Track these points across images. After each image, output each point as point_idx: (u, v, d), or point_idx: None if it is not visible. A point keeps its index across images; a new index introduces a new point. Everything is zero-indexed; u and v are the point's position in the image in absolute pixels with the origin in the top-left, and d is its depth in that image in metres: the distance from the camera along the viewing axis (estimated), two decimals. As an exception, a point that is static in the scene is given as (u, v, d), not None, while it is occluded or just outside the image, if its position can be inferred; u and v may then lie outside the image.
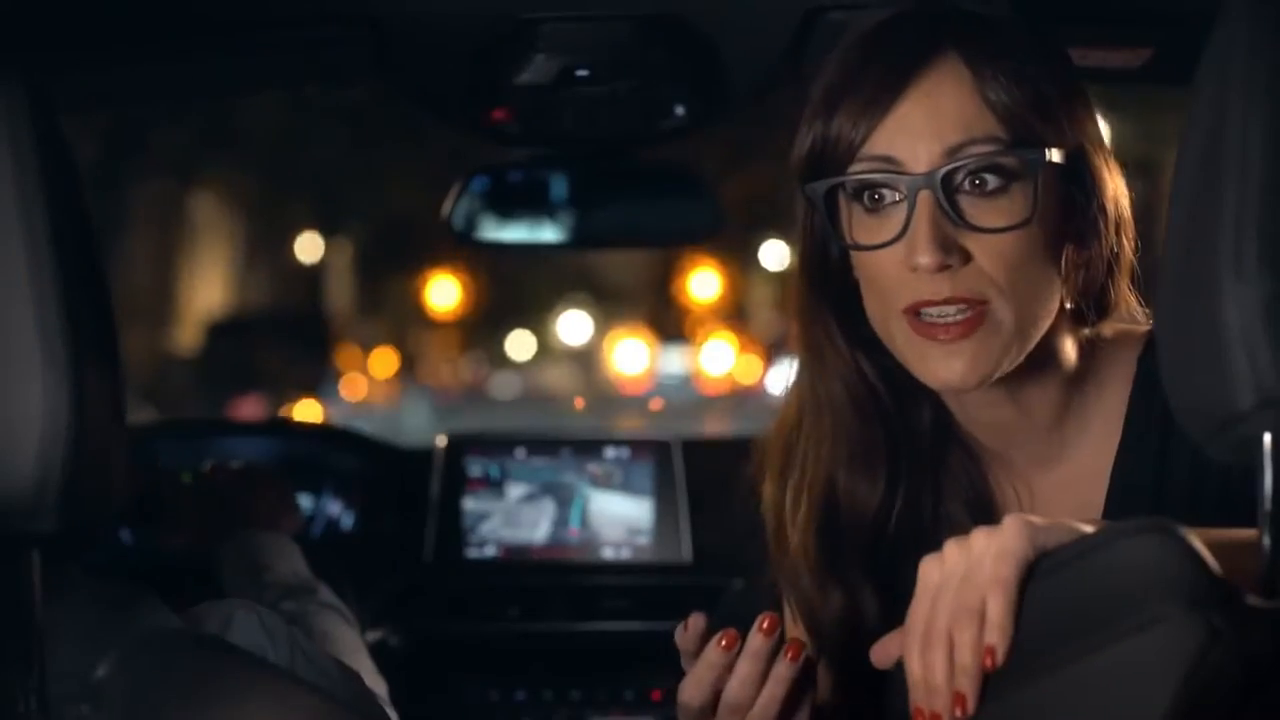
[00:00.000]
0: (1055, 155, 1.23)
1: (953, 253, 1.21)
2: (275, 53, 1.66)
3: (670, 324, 18.88)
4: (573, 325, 20.73)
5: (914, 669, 0.99)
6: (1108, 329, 1.31)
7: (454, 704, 2.46)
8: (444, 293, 16.95)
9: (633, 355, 19.59)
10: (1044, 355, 1.27)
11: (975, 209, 1.21)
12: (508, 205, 2.25)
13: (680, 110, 1.94)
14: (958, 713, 0.96)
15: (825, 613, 1.35)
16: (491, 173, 2.22)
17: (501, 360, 21.99)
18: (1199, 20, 0.95)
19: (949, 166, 1.21)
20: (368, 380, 17.64)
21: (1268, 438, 0.89)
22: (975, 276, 1.21)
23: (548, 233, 2.27)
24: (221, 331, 13.57)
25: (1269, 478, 0.90)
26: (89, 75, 1.63)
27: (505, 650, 2.49)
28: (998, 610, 0.95)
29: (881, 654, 1.05)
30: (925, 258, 1.20)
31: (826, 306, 1.32)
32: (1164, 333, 0.96)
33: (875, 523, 1.34)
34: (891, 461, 1.33)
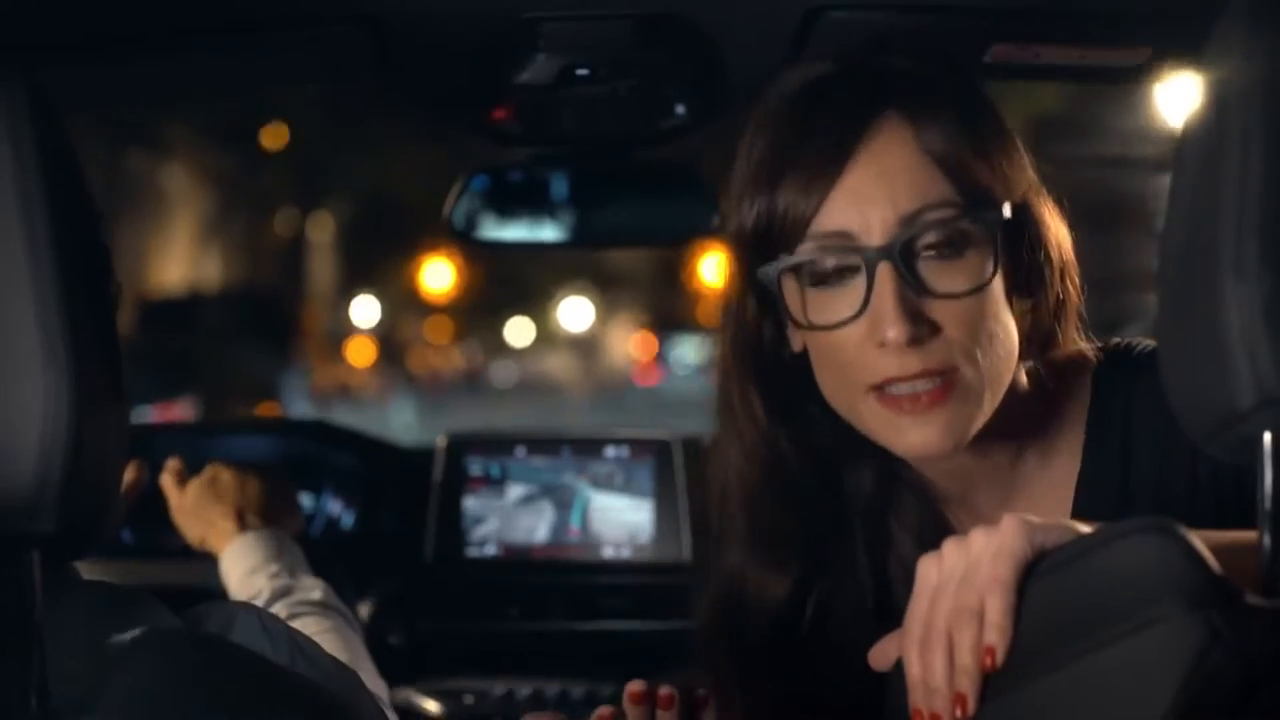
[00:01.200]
0: (1006, 210, 1.20)
1: (921, 324, 1.18)
2: (276, 52, 1.66)
3: (680, 311, 18.46)
4: (574, 311, 20.31)
5: (913, 670, 0.98)
6: (1057, 355, 1.29)
7: (454, 704, 2.46)
8: (438, 275, 16.24)
9: (645, 345, 19.22)
10: (1005, 405, 1.25)
11: (936, 275, 1.19)
12: (508, 204, 2.25)
13: (680, 110, 1.93)
14: (958, 713, 0.95)
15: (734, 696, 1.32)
16: (491, 172, 2.22)
17: (499, 347, 21.54)
18: (1199, 20, 0.95)
19: (907, 235, 1.18)
20: (345, 371, 16.77)
21: (1268, 437, 0.89)
22: (944, 347, 1.19)
23: (548, 232, 2.27)
24: (157, 314, 10.94)
25: (1269, 477, 0.90)
26: (89, 74, 1.63)
27: (506, 650, 2.49)
28: (997, 610, 0.95)
29: (880, 656, 1.04)
30: (893, 332, 1.17)
31: (753, 387, 1.29)
32: (1164, 333, 0.96)
33: (778, 616, 1.30)
34: (806, 554, 1.30)
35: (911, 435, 1.20)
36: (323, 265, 18.07)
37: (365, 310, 19.59)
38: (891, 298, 1.17)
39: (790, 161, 1.21)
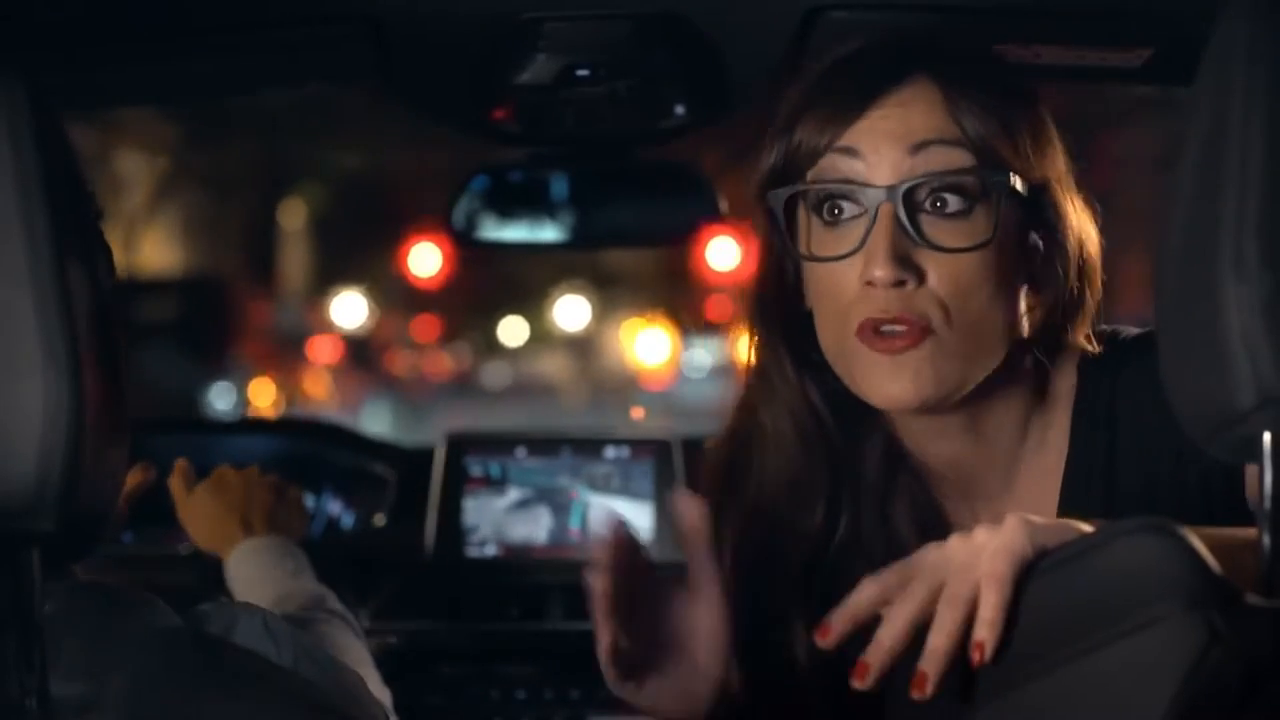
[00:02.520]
0: (1018, 184, 1.22)
1: (908, 269, 1.20)
2: (276, 53, 1.66)
3: (688, 309, 17.67)
4: (570, 310, 19.63)
5: (884, 635, 0.98)
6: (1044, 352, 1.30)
7: (454, 704, 2.46)
8: (426, 259, 15.13)
9: (654, 346, 18.40)
10: (998, 388, 1.26)
11: (935, 228, 1.21)
12: (508, 205, 2.25)
13: (680, 110, 1.93)
14: (915, 694, 0.95)
15: (758, 647, 1.33)
16: (492, 172, 2.22)
17: (491, 348, 20.83)
18: (1199, 20, 0.95)
19: (912, 182, 1.20)
20: (305, 381, 15.02)
21: (1268, 437, 0.89)
22: (925, 298, 1.21)
23: (548, 232, 2.27)
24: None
25: (1269, 477, 0.90)
26: (90, 74, 1.63)
27: (506, 650, 2.49)
28: (991, 605, 0.95)
29: (832, 632, 1.03)
30: (880, 271, 1.19)
31: (778, 330, 1.31)
32: (1164, 333, 0.96)
33: (811, 553, 1.32)
34: (833, 492, 1.32)
35: (885, 383, 1.22)
36: (295, 255, 16.65)
37: (350, 309, 18.49)
38: (886, 239, 1.20)
39: (814, 104, 1.24)
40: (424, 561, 2.50)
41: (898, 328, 1.21)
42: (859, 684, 0.97)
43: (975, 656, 0.95)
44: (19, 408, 0.89)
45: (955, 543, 1.00)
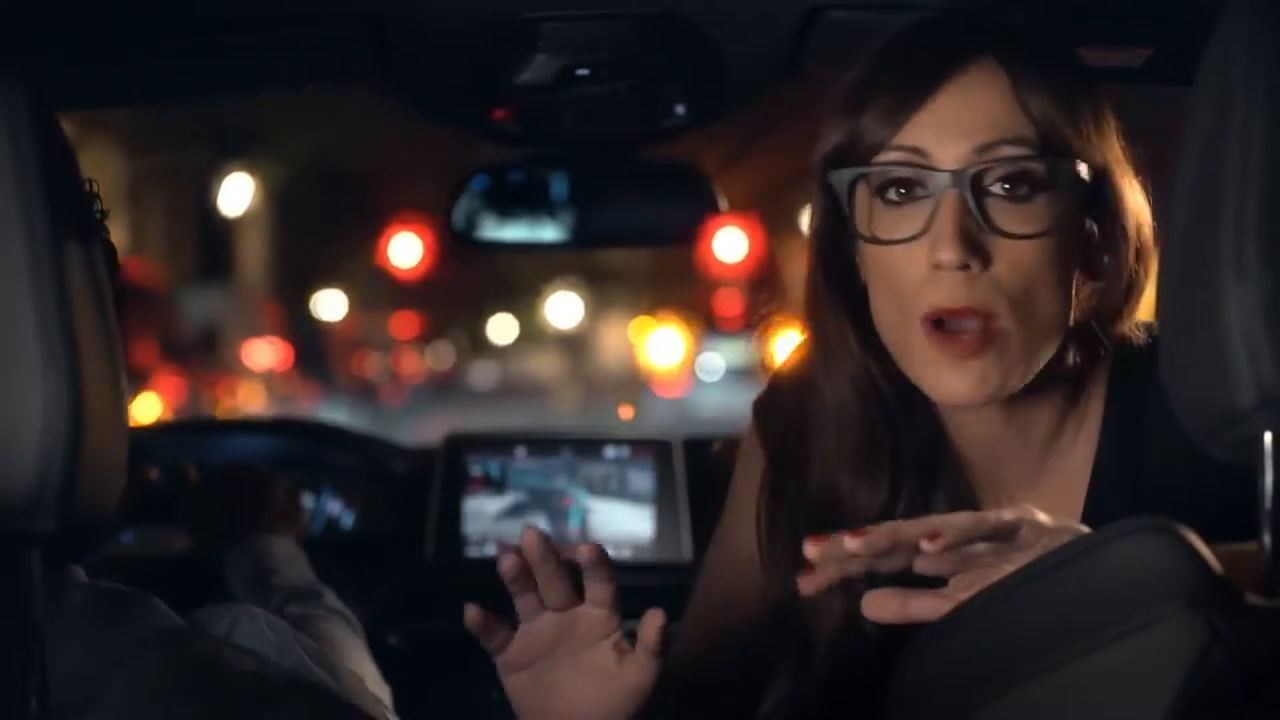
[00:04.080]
0: (1084, 170, 1.22)
1: (975, 253, 1.19)
2: (276, 52, 1.66)
3: (693, 306, 16.49)
4: (562, 307, 18.58)
5: (877, 534, 1.01)
6: (1105, 339, 1.30)
7: (454, 704, 2.46)
8: (405, 250, 12.78)
9: (666, 347, 16.87)
10: (1045, 376, 1.26)
11: (1001, 213, 1.20)
12: (508, 204, 2.25)
13: (680, 109, 1.93)
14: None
15: (827, 619, 1.33)
16: (492, 172, 2.22)
17: (479, 346, 19.86)
18: (1199, 20, 0.95)
19: (979, 167, 1.20)
20: (224, 389, 13.21)
21: (1268, 437, 0.89)
22: (990, 286, 1.20)
23: (548, 232, 2.27)
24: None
25: (1269, 477, 0.90)
26: (89, 74, 1.63)
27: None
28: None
29: (873, 605, 1.06)
30: (948, 253, 1.18)
31: (841, 306, 1.31)
32: (1164, 332, 0.96)
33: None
34: (894, 467, 1.32)
35: (949, 380, 1.22)
36: (247, 245, 14.73)
37: (330, 309, 16.61)
38: (952, 222, 1.19)
39: (880, 87, 1.23)
40: (424, 561, 2.50)
41: (965, 323, 1.20)
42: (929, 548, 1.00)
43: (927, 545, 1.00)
44: (19, 408, 0.89)
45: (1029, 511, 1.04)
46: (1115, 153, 1.26)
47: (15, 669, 0.92)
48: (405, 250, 12.65)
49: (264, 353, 14.86)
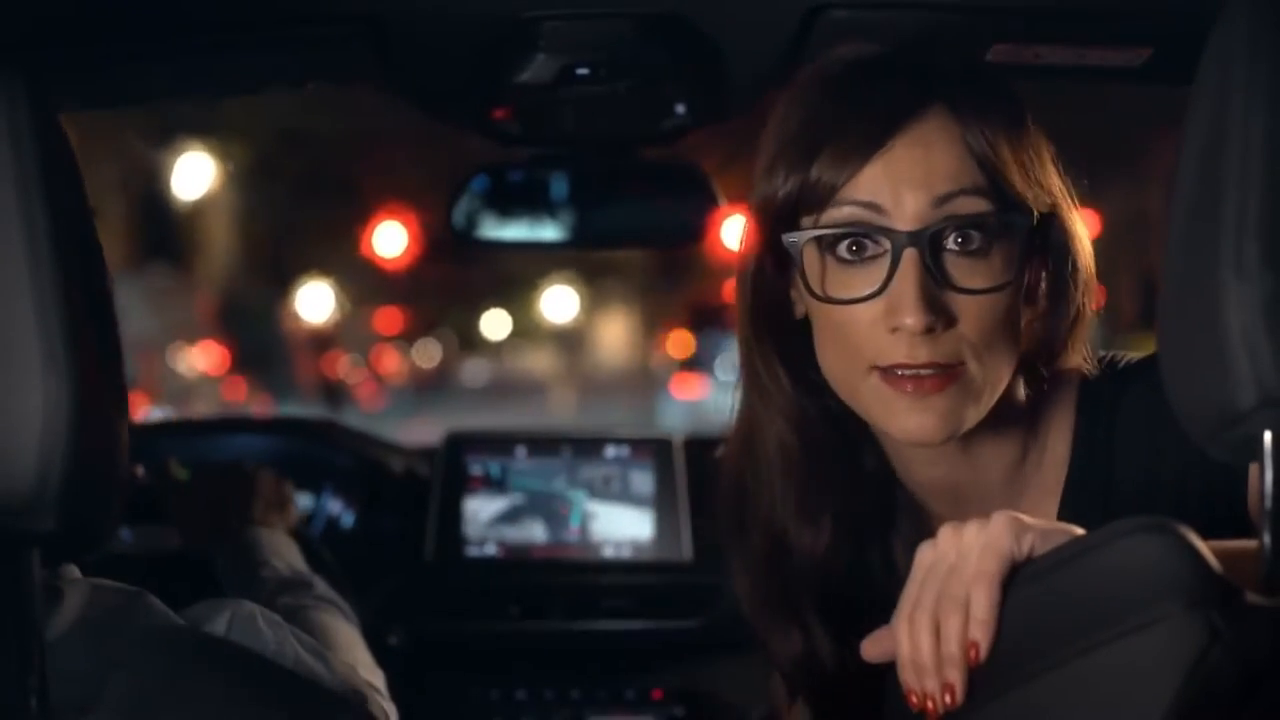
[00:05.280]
0: (1034, 214, 1.21)
1: (938, 314, 1.18)
2: (276, 52, 1.66)
3: (705, 301, 15.40)
4: (558, 301, 17.87)
5: (902, 648, 1.00)
6: (1052, 367, 1.29)
7: (454, 704, 2.47)
8: (390, 239, 12.22)
9: (682, 343, 15.77)
10: (995, 410, 1.25)
11: (959, 269, 1.19)
12: (508, 204, 2.25)
13: (681, 109, 1.93)
14: (947, 700, 0.97)
15: (784, 651, 1.34)
16: (491, 172, 2.22)
17: (471, 342, 19.16)
18: (1199, 20, 0.95)
19: (938, 225, 1.18)
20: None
21: (1268, 436, 0.89)
22: (954, 341, 1.19)
23: (548, 232, 2.27)
24: None
25: (1269, 477, 0.90)
26: (89, 73, 1.63)
27: (505, 650, 2.49)
28: (981, 605, 0.96)
29: (872, 647, 1.05)
30: (911, 319, 1.17)
31: (771, 346, 1.29)
32: (1164, 332, 0.96)
33: (823, 567, 1.32)
34: (838, 505, 1.31)
35: (908, 419, 1.21)
36: (209, 230, 13.24)
37: (315, 302, 15.07)
38: (914, 285, 1.17)
39: (829, 132, 1.20)
40: (424, 561, 2.50)
41: (925, 370, 1.19)
42: (932, 716, 0.98)
43: (971, 655, 0.96)
44: (19, 408, 0.89)
45: (945, 539, 1.01)
46: (1057, 185, 1.25)
47: (15, 669, 0.92)
48: (390, 239, 12.13)
49: (196, 356, 13.40)
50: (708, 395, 14.39)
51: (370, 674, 1.68)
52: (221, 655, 1.05)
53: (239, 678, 1.02)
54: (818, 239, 1.22)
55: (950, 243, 1.19)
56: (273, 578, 1.84)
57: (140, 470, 2.06)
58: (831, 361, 1.25)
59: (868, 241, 1.20)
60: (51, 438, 0.89)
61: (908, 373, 1.19)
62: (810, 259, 1.23)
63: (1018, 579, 0.97)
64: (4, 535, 0.92)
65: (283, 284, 15.26)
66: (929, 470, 1.30)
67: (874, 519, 1.34)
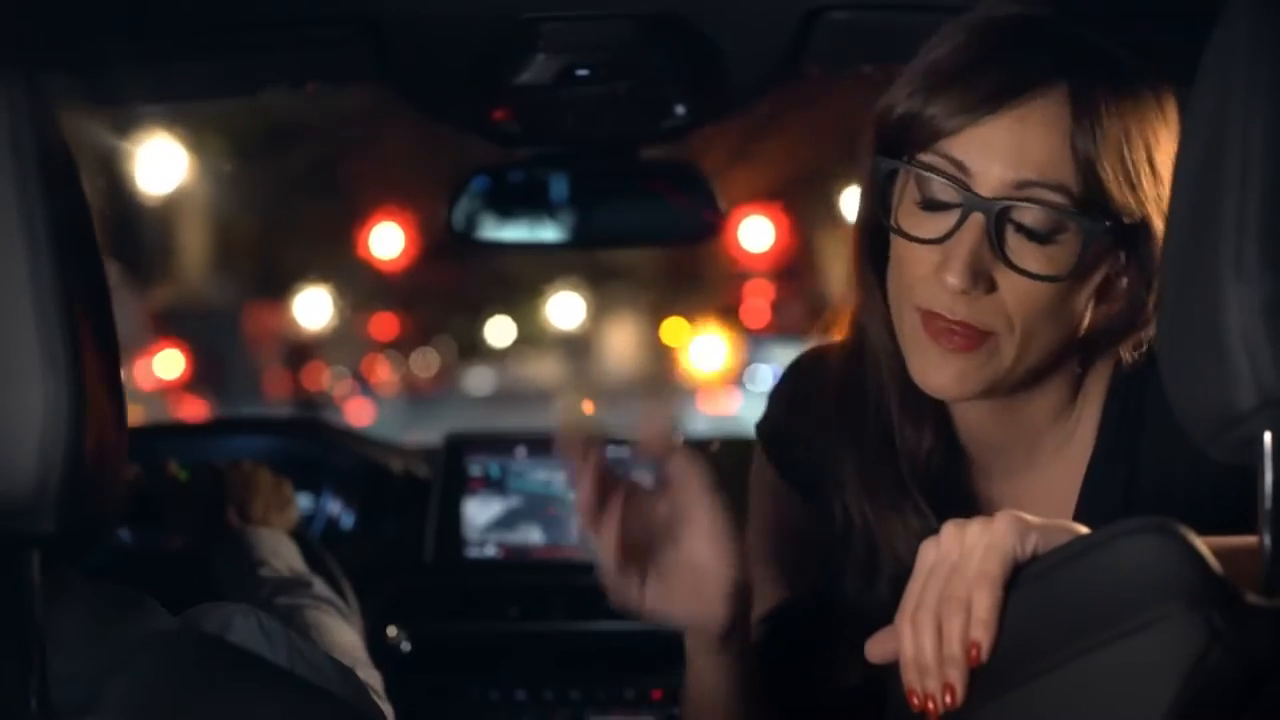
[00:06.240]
0: (1116, 225, 1.21)
1: (980, 281, 1.21)
2: (275, 53, 1.66)
3: (714, 305, 15.06)
4: (564, 307, 17.55)
5: (905, 648, 1.00)
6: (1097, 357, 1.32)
7: (454, 704, 2.46)
8: (387, 241, 11.64)
9: (711, 354, 14.92)
10: (1038, 379, 1.29)
11: (1019, 249, 1.21)
12: (508, 205, 2.25)
13: (681, 109, 1.93)
14: (948, 700, 0.97)
15: (901, 540, 1.33)
16: (491, 172, 2.22)
17: (475, 349, 18.82)
18: (1199, 20, 0.95)
19: (1009, 203, 1.20)
20: None
21: (1268, 437, 0.89)
22: (992, 309, 1.22)
23: (548, 232, 2.27)
24: None
25: (1269, 477, 0.90)
26: (89, 74, 1.63)
27: (505, 650, 2.49)
28: (983, 606, 0.97)
29: (876, 647, 1.05)
30: (954, 278, 1.21)
31: (872, 261, 1.33)
32: (1164, 332, 0.96)
33: (929, 470, 1.34)
34: (935, 410, 1.34)
35: (931, 369, 1.25)
36: (190, 233, 12.49)
37: (313, 309, 14.22)
38: (968, 248, 1.21)
39: (956, 80, 1.22)
40: (424, 562, 2.50)
41: (958, 327, 1.22)
42: (932, 716, 0.99)
43: (972, 654, 0.96)
44: (19, 408, 0.89)
45: (948, 538, 1.02)
46: (1155, 194, 1.23)
47: (15, 670, 0.92)
48: (386, 241, 11.66)
49: (153, 366, 12.13)
50: (739, 410, 13.29)
51: (369, 674, 1.68)
52: (221, 656, 1.05)
53: (239, 679, 1.02)
54: (905, 174, 1.26)
55: (1018, 220, 1.21)
56: (272, 578, 1.84)
57: (140, 470, 2.06)
58: (892, 289, 1.29)
59: (945, 192, 1.23)
60: (51, 438, 0.89)
61: (942, 324, 1.23)
62: (897, 187, 1.28)
63: (1019, 578, 0.97)
64: (4, 536, 0.91)
65: (270, 288, 14.34)
66: (965, 412, 1.34)
67: (933, 473, 1.35)
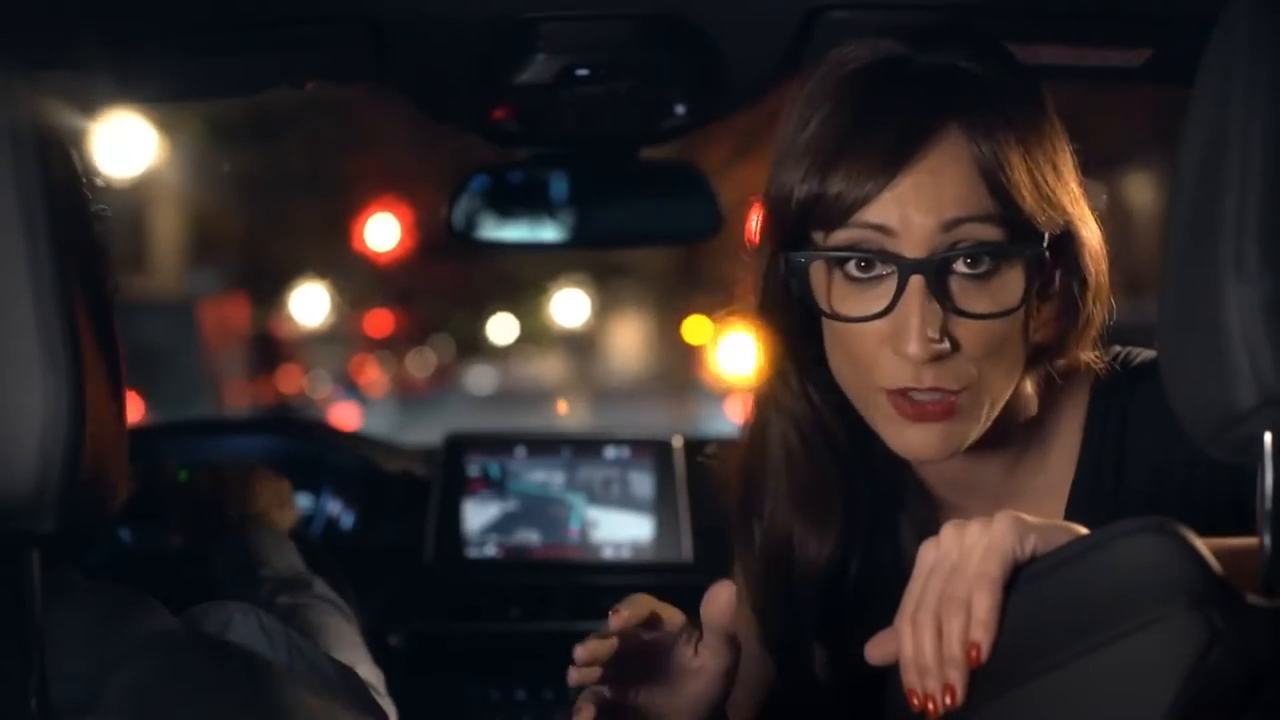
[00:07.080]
0: (1047, 239, 1.20)
1: (942, 341, 1.18)
2: (275, 52, 1.66)
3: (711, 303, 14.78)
4: (568, 305, 17.36)
5: (905, 649, 1.00)
6: (1060, 365, 1.29)
7: (454, 704, 2.46)
8: (382, 232, 11.29)
9: (743, 354, 14.21)
10: (1005, 411, 1.25)
11: (965, 294, 1.19)
12: (508, 205, 2.25)
13: (680, 109, 1.93)
14: (947, 701, 0.97)
15: (778, 668, 1.35)
16: (492, 172, 2.22)
17: (477, 347, 18.59)
18: (1199, 20, 0.95)
19: (944, 254, 1.17)
20: None
21: (1268, 437, 0.89)
22: (961, 365, 1.19)
23: (548, 232, 2.27)
24: None
25: (1269, 477, 0.90)
26: (89, 74, 1.63)
27: (505, 650, 2.49)
28: (983, 607, 0.96)
29: (876, 650, 1.05)
30: (914, 347, 1.17)
31: (782, 344, 1.29)
32: (1164, 333, 0.96)
33: (826, 577, 1.32)
34: (846, 512, 1.32)
35: (911, 438, 1.22)
36: (164, 224, 11.71)
37: (310, 306, 13.79)
38: (918, 313, 1.17)
39: (847, 147, 1.19)
40: (424, 562, 2.50)
41: (931, 395, 1.20)
42: (932, 717, 0.98)
43: (972, 655, 0.96)
44: (19, 408, 0.89)
45: (948, 538, 1.01)
46: (1071, 197, 1.23)
47: (15, 669, 0.92)
48: (382, 233, 11.19)
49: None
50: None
51: (369, 674, 1.68)
52: (221, 656, 1.05)
53: (239, 679, 1.02)
54: (825, 260, 1.22)
55: (958, 266, 1.19)
56: (272, 578, 1.84)
57: (140, 471, 2.06)
58: (844, 374, 1.26)
59: (876, 261, 1.20)
60: (51, 438, 0.89)
61: (915, 399, 1.20)
62: (818, 274, 1.23)
63: (1019, 579, 0.97)
64: (4, 536, 0.92)
65: (260, 287, 13.42)
66: (936, 466, 1.31)
67: (881, 512, 1.34)
